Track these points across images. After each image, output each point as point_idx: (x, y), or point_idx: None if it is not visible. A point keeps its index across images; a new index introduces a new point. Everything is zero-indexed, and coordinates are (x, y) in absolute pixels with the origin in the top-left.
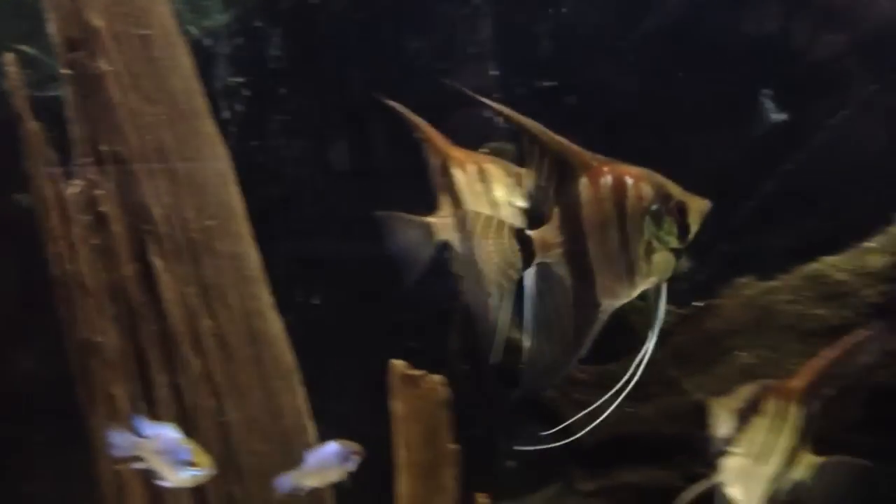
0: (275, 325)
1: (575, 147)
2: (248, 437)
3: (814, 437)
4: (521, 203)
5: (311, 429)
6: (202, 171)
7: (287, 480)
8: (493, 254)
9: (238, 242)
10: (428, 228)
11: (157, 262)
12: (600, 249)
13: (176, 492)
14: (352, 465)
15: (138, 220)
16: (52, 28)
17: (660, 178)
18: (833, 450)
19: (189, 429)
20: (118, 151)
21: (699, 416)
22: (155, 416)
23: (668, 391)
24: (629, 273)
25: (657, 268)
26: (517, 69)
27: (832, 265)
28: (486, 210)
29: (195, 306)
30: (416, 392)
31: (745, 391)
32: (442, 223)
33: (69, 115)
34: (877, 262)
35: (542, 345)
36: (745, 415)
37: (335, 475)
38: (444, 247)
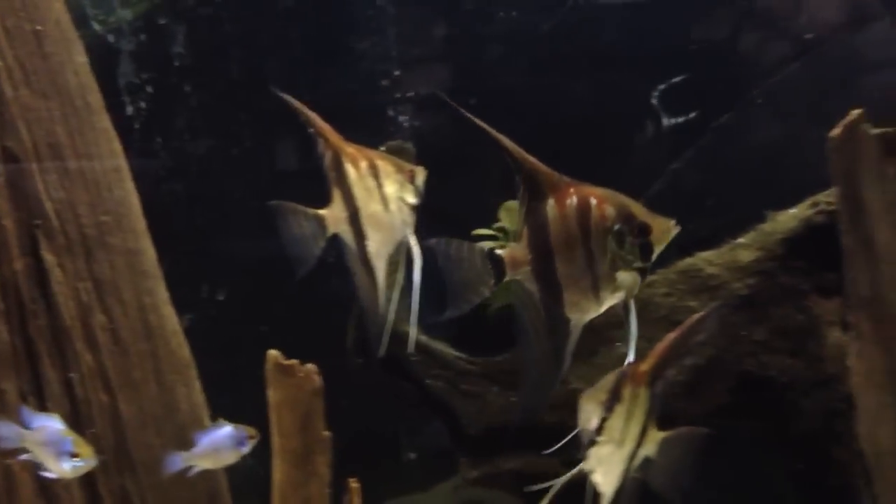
0: (170, 320)
1: (544, 167)
2: (142, 431)
3: (659, 414)
4: (412, 200)
5: (208, 422)
6: (96, 167)
7: (177, 460)
8: (383, 248)
9: (133, 238)
10: (320, 221)
11: (49, 258)
12: (567, 267)
13: (68, 486)
14: (246, 449)
15: (29, 215)
16: None
17: (623, 200)
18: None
19: (82, 423)
20: (9, 147)
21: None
22: (46, 411)
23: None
24: (595, 290)
25: (622, 286)
26: (419, 69)
27: (705, 260)
28: (377, 206)
29: (88, 301)
30: (290, 381)
31: (607, 381)
32: (334, 217)
33: None
34: (746, 256)
35: (529, 363)
36: (610, 404)
37: (228, 458)
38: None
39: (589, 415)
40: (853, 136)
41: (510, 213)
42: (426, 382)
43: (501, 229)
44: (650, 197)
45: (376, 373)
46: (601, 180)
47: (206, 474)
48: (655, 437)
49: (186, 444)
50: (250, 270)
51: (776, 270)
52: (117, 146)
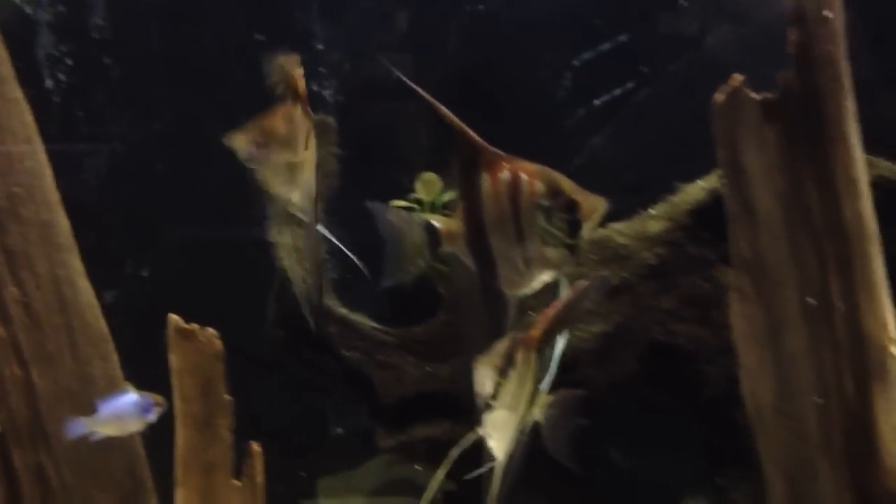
0: (86, 292)
1: (481, 142)
2: (57, 405)
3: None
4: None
5: None
6: (7, 138)
7: (79, 425)
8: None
9: (46, 210)
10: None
11: None
12: (499, 242)
13: None
14: (152, 417)
15: None
16: None
17: (555, 176)
18: (614, 399)
19: None
20: None
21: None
22: None
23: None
24: (526, 266)
25: (552, 262)
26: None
27: (617, 230)
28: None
29: (0, 273)
30: (191, 345)
31: (501, 347)
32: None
33: None
34: (656, 227)
35: (467, 336)
36: (504, 369)
37: (133, 425)
38: None
39: (484, 380)
40: (735, 101)
41: (426, 185)
42: (344, 354)
43: (418, 201)
44: (571, 172)
45: (297, 346)
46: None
47: (124, 447)
48: (542, 400)
49: None
50: (174, 248)
51: (684, 240)
52: (28, 117)
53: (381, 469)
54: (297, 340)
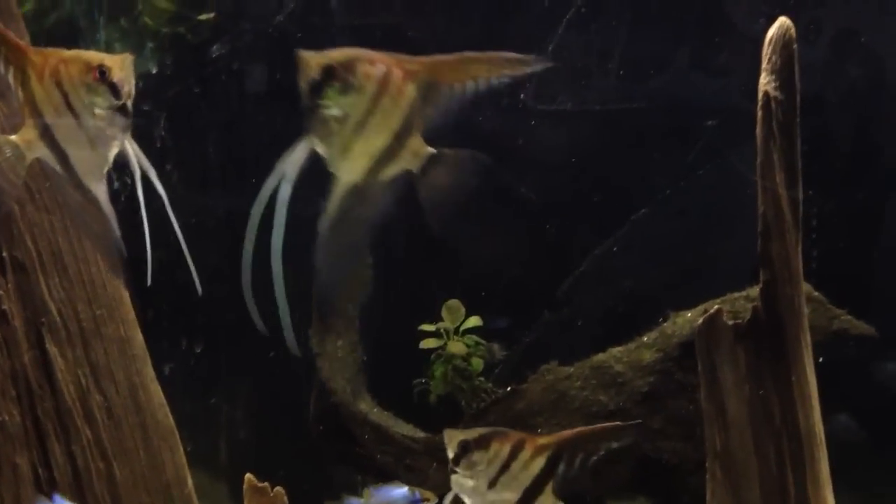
0: (157, 395)
1: (14, 40)
2: (133, 492)
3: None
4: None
5: (189, 479)
6: (92, 268)
7: None
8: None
9: (124, 327)
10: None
11: (52, 349)
12: (63, 134)
13: None
14: None
15: (35, 315)
16: None
17: (86, 55)
18: None
19: (83, 487)
20: (16, 256)
21: None
22: (52, 479)
23: None
24: (94, 145)
25: (111, 130)
26: None
27: (614, 357)
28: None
29: (86, 384)
30: (263, 499)
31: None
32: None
33: None
34: (649, 356)
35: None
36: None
37: None
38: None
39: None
40: (712, 326)
41: (450, 311)
42: (377, 456)
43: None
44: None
45: (334, 441)
46: None
47: None
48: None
49: (172, 499)
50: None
51: (673, 369)
52: None
53: None
54: (334, 436)
